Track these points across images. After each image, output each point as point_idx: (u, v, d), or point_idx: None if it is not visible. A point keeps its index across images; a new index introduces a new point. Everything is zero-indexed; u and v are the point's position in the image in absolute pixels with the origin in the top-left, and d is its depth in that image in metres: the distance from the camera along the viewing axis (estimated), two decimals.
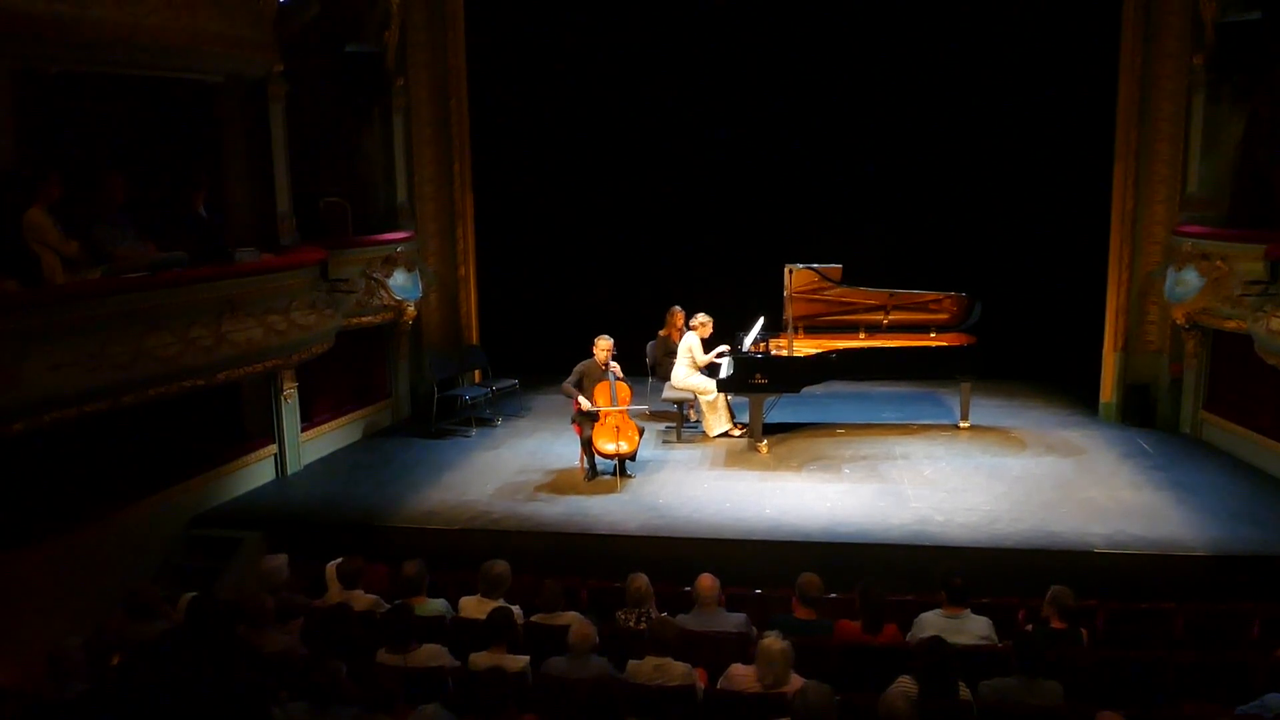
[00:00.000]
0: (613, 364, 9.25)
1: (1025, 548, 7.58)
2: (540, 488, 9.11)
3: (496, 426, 11.10)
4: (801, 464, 9.49)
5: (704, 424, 10.38)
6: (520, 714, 4.90)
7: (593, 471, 9.28)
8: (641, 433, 9.26)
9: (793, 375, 9.88)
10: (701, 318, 10.31)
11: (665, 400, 10.42)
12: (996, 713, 4.82)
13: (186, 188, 8.61)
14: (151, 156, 8.48)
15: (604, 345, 9.23)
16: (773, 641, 4.96)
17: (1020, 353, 11.71)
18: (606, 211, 12.65)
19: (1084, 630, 5.83)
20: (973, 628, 5.67)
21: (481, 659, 5.33)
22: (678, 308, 10.88)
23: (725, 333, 10.45)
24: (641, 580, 6.09)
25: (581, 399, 9.05)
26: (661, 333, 10.99)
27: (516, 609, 5.94)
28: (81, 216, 7.43)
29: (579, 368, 9.25)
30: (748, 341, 10.16)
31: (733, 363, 9.93)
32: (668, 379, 10.40)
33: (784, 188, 12.32)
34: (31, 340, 6.58)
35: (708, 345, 10.34)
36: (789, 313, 10.00)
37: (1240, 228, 9.47)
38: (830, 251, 10.33)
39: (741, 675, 5.06)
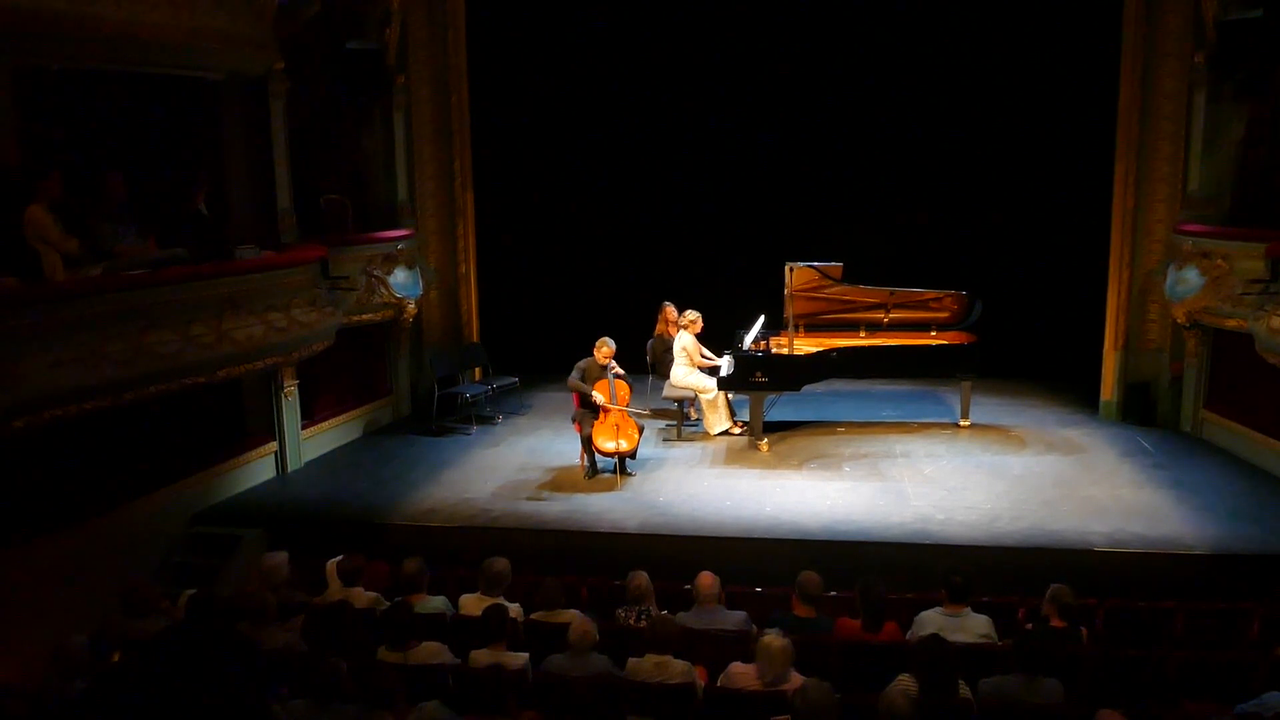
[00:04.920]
0: (612, 363, 9.27)
1: (1025, 546, 7.58)
2: (540, 485, 9.12)
3: (497, 424, 11.11)
4: (802, 462, 9.49)
5: (704, 422, 10.39)
6: (520, 711, 4.91)
7: (593, 469, 9.28)
8: (641, 431, 9.27)
9: (793, 373, 9.89)
10: (690, 315, 10.32)
11: (665, 398, 10.42)
12: (996, 711, 4.82)
13: (187, 185, 8.62)
14: (152, 153, 8.47)
15: (605, 351, 9.24)
16: (773, 639, 4.96)
17: (1021, 351, 11.73)
18: (607, 209, 12.64)
19: (1084, 629, 5.83)
20: (973, 626, 5.67)
21: (482, 656, 5.33)
22: (669, 303, 10.90)
23: (726, 331, 10.45)
24: (641, 578, 6.10)
25: (595, 394, 9.07)
26: (657, 330, 10.99)
27: (516, 606, 5.95)
28: (82, 214, 7.43)
29: (581, 365, 9.27)
30: (748, 339, 10.16)
31: (733, 361, 9.93)
32: (668, 377, 10.41)
33: (785, 185, 12.31)
34: (32, 338, 6.59)
35: (702, 343, 10.33)
36: (789, 311, 10.00)
37: (1241, 226, 9.46)
38: (831, 249, 10.32)
39: (741, 673, 5.07)
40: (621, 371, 9.34)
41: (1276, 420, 8.99)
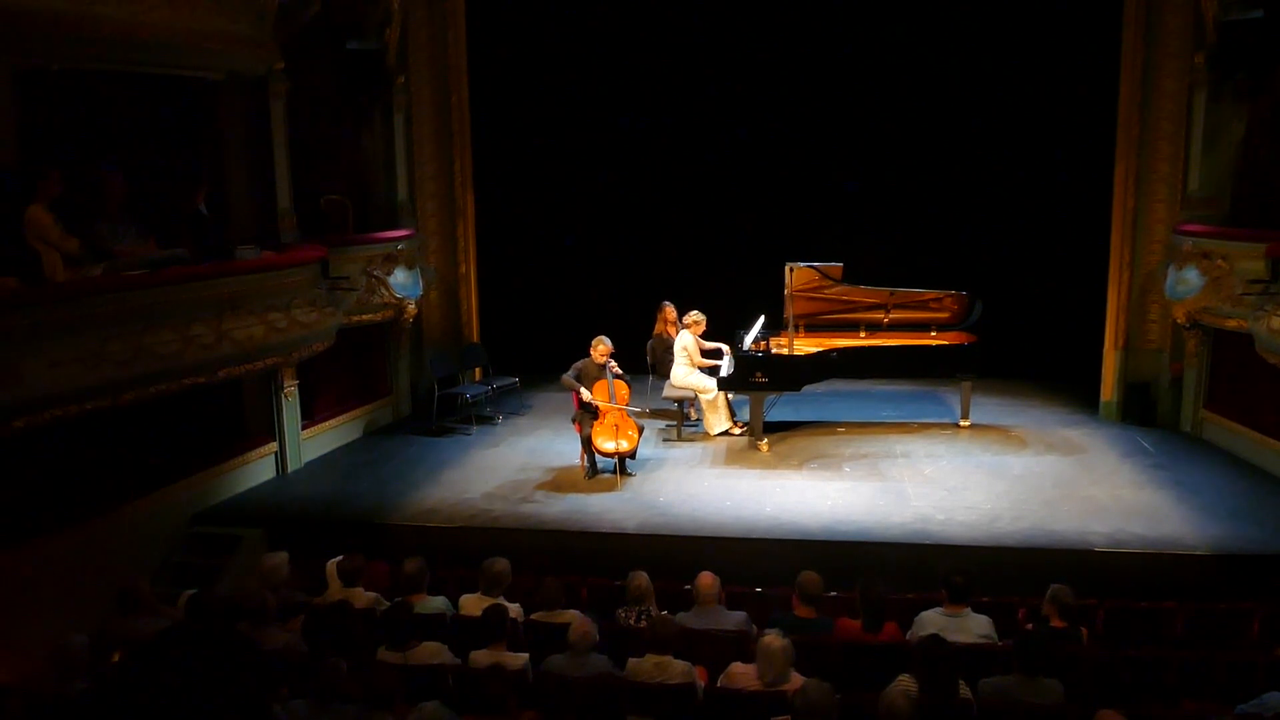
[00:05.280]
0: (611, 362, 9.26)
1: (1026, 546, 7.58)
2: (540, 486, 9.12)
3: (497, 424, 11.10)
4: (802, 462, 9.49)
5: (704, 422, 10.38)
6: (520, 712, 4.90)
7: (593, 469, 9.28)
8: (641, 431, 9.27)
9: (793, 373, 9.88)
10: (693, 315, 10.33)
11: (665, 399, 10.42)
12: (996, 711, 4.83)
13: (187, 185, 8.60)
14: (152, 154, 8.47)
15: (602, 350, 9.23)
16: (773, 640, 4.97)
17: (1021, 351, 11.70)
18: (607, 209, 12.64)
19: (1084, 629, 5.84)
20: (973, 626, 5.68)
21: (481, 657, 5.34)
22: (668, 303, 10.90)
23: (726, 331, 10.45)
24: (642, 578, 6.10)
25: (583, 390, 9.07)
26: (656, 330, 10.99)
27: (516, 607, 5.95)
28: (82, 214, 7.42)
29: (578, 365, 9.27)
30: (748, 340, 10.16)
31: (733, 361, 9.93)
32: (668, 377, 10.41)
33: (785, 185, 12.30)
34: (32, 338, 6.58)
35: (705, 340, 10.36)
36: (789, 311, 10.00)
37: (1241, 226, 9.46)
38: (831, 250, 10.33)
39: (742, 673, 5.07)
40: (620, 371, 9.34)
41: (1276, 420, 8.99)
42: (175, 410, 8.17)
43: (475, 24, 11.62)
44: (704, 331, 10.37)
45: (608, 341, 9.29)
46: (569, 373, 9.24)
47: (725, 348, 10.27)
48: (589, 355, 9.29)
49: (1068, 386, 11.71)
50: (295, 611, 6.08)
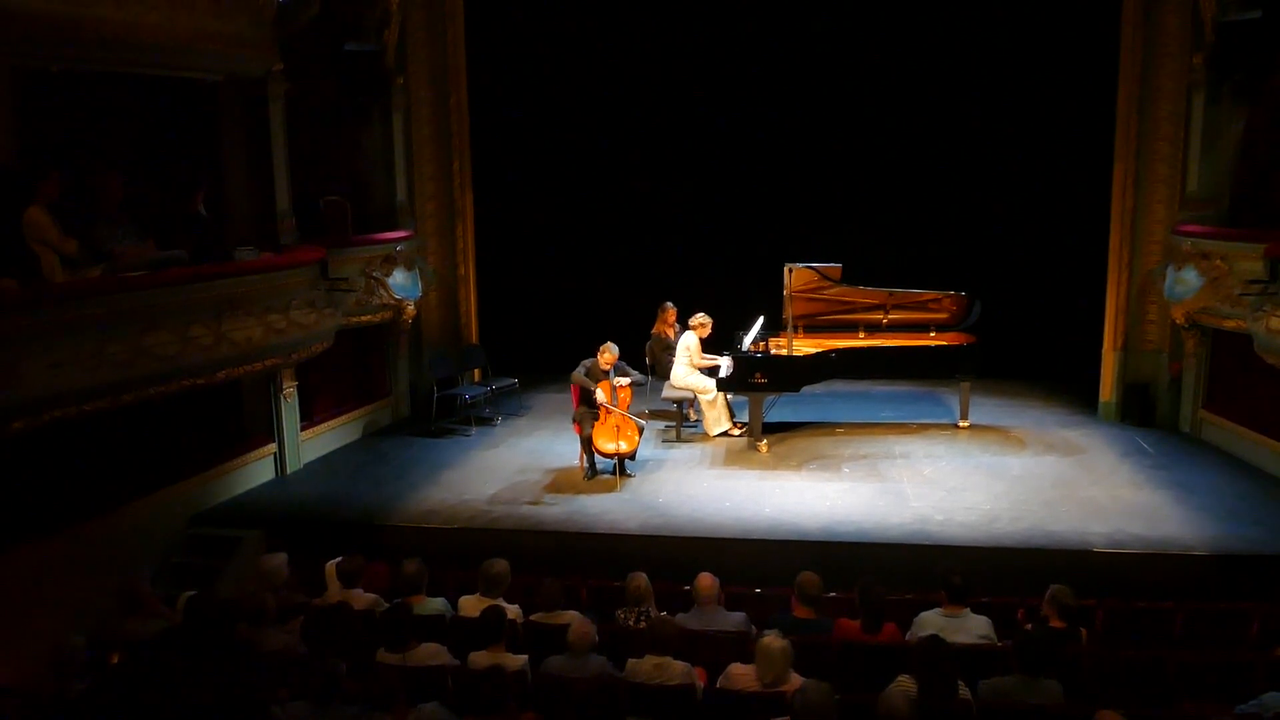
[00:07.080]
0: (614, 370, 9.25)
1: (1025, 547, 7.58)
2: (540, 487, 9.11)
3: (496, 425, 11.11)
4: (801, 463, 9.49)
5: (704, 423, 10.39)
6: (520, 713, 4.91)
7: (592, 470, 9.28)
8: (641, 432, 9.27)
9: (792, 374, 9.89)
10: (700, 318, 10.33)
11: (665, 399, 10.42)
12: (996, 712, 4.83)
13: (186, 186, 8.60)
14: (151, 155, 8.47)
15: (608, 358, 9.22)
16: (772, 640, 4.96)
17: (1020, 352, 11.74)
18: (607, 210, 12.65)
19: (1083, 629, 5.84)
20: (972, 627, 5.67)
21: (481, 658, 5.34)
22: (669, 303, 10.91)
23: (725, 332, 10.45)
24: (641, 579, 6.10)
25: (598, 390, 9.06)
26: (654, 329, 10.99)
27: (515, 608, 5.95)
28: (81, 215, 7.42)
29: (586, 363, 9.28)
30: (747, 340, 10.16)
31: (733, 362, 9.93)
32: (667, 377, 10.41)
33: (784, 186, 12.32)
34: (31, 339, 6.58)
35: (706, 345, 10.35)
36: (788, 312, 10.00)
37: (1240, 227, 9.48)
38: (830, 250, 10.33)
39: (741, 674, 5.07)
40: (629, 378, 9.31)
41: (1275, 420, 9.00)
42: (175, 411, 8.18)
43: (474, 24, 11.62)
44: (707, 335, 10.36)
45: (614, 350, 9.27)
46: (579, 370, 9.23)
47: (724, 361, 10.21)
48: (595, 357, 9.28)
49: (1067, 387, 11.72)
50: (295, 613, 6.08)
